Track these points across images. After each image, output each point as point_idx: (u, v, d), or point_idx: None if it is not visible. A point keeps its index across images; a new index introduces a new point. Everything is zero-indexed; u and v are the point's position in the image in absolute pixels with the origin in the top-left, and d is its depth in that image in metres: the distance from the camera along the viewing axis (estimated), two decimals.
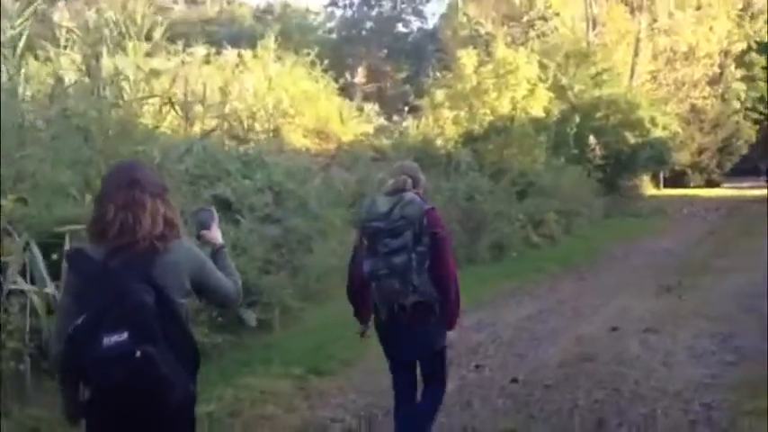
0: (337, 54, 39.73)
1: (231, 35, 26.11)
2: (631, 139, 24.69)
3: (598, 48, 26.77)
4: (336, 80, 16.62)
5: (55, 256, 5.30)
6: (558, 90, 24.34)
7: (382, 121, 17.75)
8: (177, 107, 9.04)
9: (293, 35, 43.79)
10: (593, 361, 7.18)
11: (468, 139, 17.50)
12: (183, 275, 2.79)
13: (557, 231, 16.40)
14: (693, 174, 36.46)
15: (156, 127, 8.25)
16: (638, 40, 29.31)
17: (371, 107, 19.46)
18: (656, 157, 25.47)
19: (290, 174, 9.71)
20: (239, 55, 14.04)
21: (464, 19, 25.61)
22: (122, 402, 2.59)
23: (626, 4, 29.58)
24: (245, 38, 32.55)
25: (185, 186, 7.74)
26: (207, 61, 13.14)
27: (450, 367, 6.80)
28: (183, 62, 11.92)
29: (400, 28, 46.52)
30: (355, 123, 15.75)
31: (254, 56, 14.07)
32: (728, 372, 6.73)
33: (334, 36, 45.02)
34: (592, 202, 21.37)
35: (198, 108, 9.98)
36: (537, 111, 19.05)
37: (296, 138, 13.17)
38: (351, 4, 46.76)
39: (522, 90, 18.59)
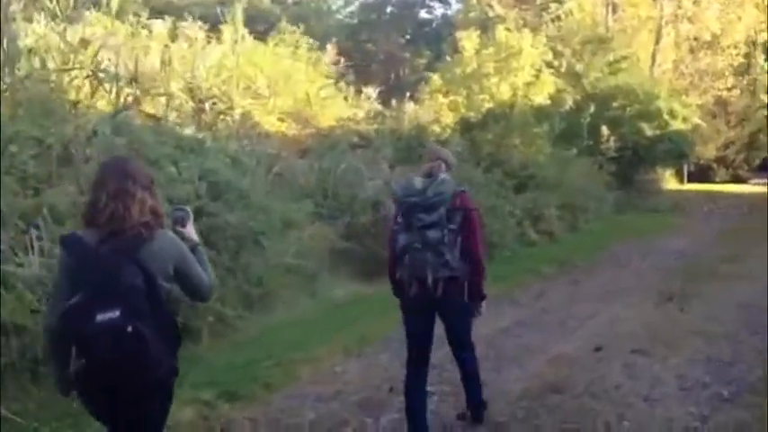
0: (356, 39, 38.85)
1: (248, 17, 24.74)
2: (648, 130, 23.38)
3: (617, 34, 25.34)
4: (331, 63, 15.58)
5: None
6: (572, 77, 23.11)
7: (376, 105, 16.50)
8: (105, 82, 8.00)
9: (310, 19, 42.94)
10: (562, 392, 6.03)
11: (465, 127, 16.27)
12: (167, 262, 3.02)
13: (558, 228, 15.19)
14: (719, 169, 34.89)
15: (76, 103, 7.19)
16: (659, 27, 27.81)
17: (371, 91, 18.19)
18: (675, 151, 24.09)
19: (237, 162, 8.62)
20: (208, 30, 12.80)
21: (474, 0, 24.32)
22: (112, 374, 2.80)
23: None
24: (258, 21, 31.62)
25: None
26: (173, 36, 11.99)
27: (390, 395, 5.84)
28: (133, 35, 10.75)
29: (423, 14, 45.17)
30: (344, 107, 14.57)
31: (230, 29, 12.75)
32: (720, 411, 5.56)
33: (355, 21, 43.92)
34: (603, 196, 20.15)
35: (135, 84, 8.90)
36: (542, 98, 17.75)
37: (270, 121, 12.04)
38: None
39: (525, 76, 17.28)
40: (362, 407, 5.83)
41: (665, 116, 23.25)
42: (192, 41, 11.71)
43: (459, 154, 13.42)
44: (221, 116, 10.65)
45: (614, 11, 27.10)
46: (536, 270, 11.89)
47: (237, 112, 11.22)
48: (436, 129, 15.86)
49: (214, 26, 13.21)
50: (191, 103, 10.19)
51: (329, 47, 14.56)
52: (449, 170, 4.85)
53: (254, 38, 14.11)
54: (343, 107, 14.32)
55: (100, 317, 2.74)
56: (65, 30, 8.35)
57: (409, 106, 17.76)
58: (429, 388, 6.18)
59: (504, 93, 16.75)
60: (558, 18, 22.87)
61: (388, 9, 44.21)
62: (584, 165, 19.35)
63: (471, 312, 4.88)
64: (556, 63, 22.77)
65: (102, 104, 8.33)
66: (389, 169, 12.22)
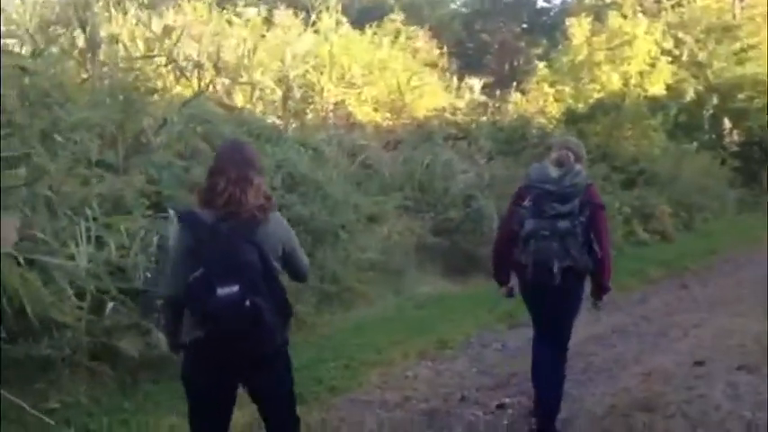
0: (470, 29, 38.15)
1: (360, 9, 24.36)
2: None
3: (745, 22, 23.68)
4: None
5: None
6: (695, 67, 21.80)
7: (479, 96, 15.85)
8: (186, 71, 7.85)
9: (423, 9, 42.59)
10: (653, 411, 5.42)
11: (572, 118, 15.45)
12: (278, 242, 3.22)
13: (670, 227, 14.22)
14: None
15: (155, 92, 7.06)
16: None
17: (475, 81, 17.58)
18: None
19: (319, 153, 8.30)
20: (305, 18, 12.43)
21: None
22: (230, 345, 3.03)
23: None
24: (373, 12, 31.50)
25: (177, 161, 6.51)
26: (268, 24, 11.74)
27: (459, 404, 5.45)
28: (229, 23, 10.61)
29: (541, 2, 43.82)
30: (442, 97, 14.02)
31: (318, 19, 12.35)
32: None
33: (467, 11, 43.35)
34: (724, 194, 18.83)
35: (218, 72, 8.70)
36: (658, 88, 16.65)
37: (363, 111, 11.71)
38: None
39: (640, 64, 16.24)
40: (428, 416, 5.42)
41: None
42: (286, 29, 11.48)
43: None
44: (310, 105, 10.37)
45: None
46: (642, 272, 11.10)
47: (330, 101, 10.96)
48: (542, 120, 15.12)
49: (310, 14, 12.90)
50: (278, 92, 9.96)
51: (421, 33, 13.93)
52: (578, 162, 4.72)
53: (353, 27, 13.79)
54: (441, 97, 13.78)
55: (220, 291, 2.94)
56: (150, 17, 8.31)
57: (515, 96, 17.04)
58: (505, 400, 5.76)
59: (615, 82, 15.81)
60: (680, 4, 21.52)
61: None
62: (703, 160, 18.11)
63: (578, 308, 4.83)
64: (676, 52, 21.56)
65: (189, 93, 8.23)
66: (487, 162, 11.69)
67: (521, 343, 7.20)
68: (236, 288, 2.95)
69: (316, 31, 12.16)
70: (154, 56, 7.64)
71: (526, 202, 4.58)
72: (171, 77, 8.03)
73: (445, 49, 17.19)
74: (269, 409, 3.44)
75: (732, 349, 7.06)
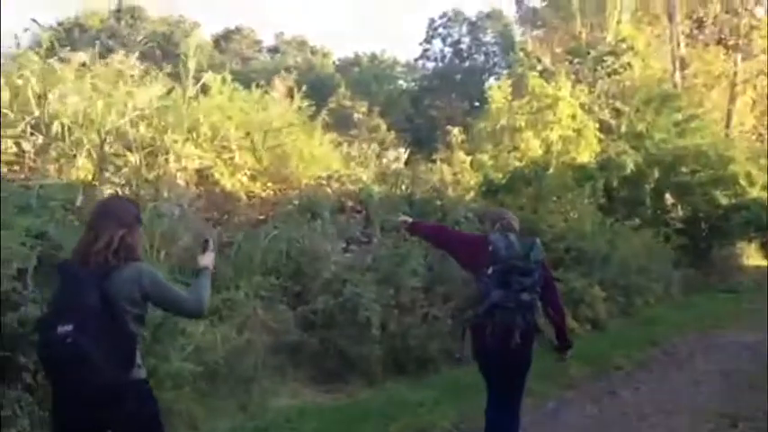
0: (418, 105, 37.95)
1: (308, 83, 22.91)
2: (722, 198, 20.51)
3: (685, 91, 22.63)
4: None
5: None
6: (635, 138, 20.54)
7: (397, 165, 14.09)
8: None
9: (371, 85, 42.29)
10: None
11: (491, 188, 13.75)
12: (133, 288, 3.39)
13: (604, 314, 12.42)
14: None
15: None
16: (733, 85, 24.91)
17: (400, 152, 16.02)
18: (755, 222, 20.95)
19: None
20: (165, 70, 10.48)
21: (520, 54, 21.87)
22: (62, 378, 3.19)
23: (720, 44, 25.10)
24: (322, 87, 30.70)
25: None
26: (115, 74, 9.64)
27: None
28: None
29: (492, 81, 43.64)
30: (343, 166, 12.21)
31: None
32: None
33: (416, 87, 43.67)
34: (668, 274, 17.23)
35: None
36: (587, 156, 15.10)
37: (235, 179, 9.80)
38: (443, 57, 45.86)
39: (564, 129, 14.69)
40: None
41: (742, 182, 20.36)
42: (130, 79, 9.50)
43: (470, 220, 10.98)
44: (156, 170, 8.29)
45: (683, 67, 24.34)
46: (560, 374, 9.10)
47: (188, 167, 9.03)
48: (460, 191, 13.37)
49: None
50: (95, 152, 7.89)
51: (277, 82, 12.02)
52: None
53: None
54: (335, 165, 11.95)
55: (60, 329, 3.13)
56: None
57: (438, 166, 15.33)
58: None
59: (537, 149, 14.19)
60: (615, 72, 20.32)
61: (458, 77, 43.13)
62: (643, 237, 16.52)
63: (530, 367, 5.11)
64: (614, 122, 20.32)
65: None
66: (380, 239, 9.84)
67: None
68: (70, 327, 3.11)
69: (186, 90, 10.26)
70: None
71: (490, 272, 4.75)
72: None
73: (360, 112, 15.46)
74: None
75: None
